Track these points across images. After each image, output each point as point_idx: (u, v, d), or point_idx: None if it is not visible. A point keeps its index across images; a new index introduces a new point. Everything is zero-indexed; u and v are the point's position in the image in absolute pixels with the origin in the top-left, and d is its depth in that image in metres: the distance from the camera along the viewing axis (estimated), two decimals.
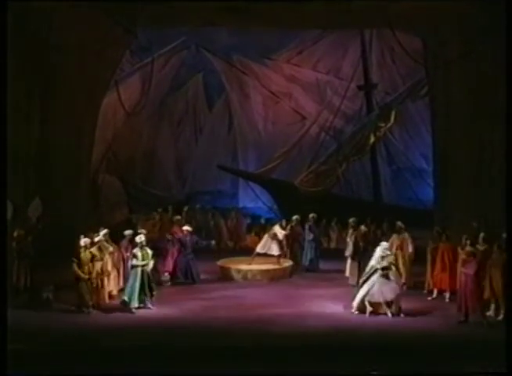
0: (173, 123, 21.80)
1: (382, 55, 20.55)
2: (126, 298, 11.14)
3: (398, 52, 18.51)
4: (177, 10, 14.29)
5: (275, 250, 14.19)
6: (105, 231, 11.85)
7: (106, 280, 11.66)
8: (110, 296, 11.83)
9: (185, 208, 17.85)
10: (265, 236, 14.40)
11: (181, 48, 20.77)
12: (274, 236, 14.27)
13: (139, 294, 11.20)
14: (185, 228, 13.62)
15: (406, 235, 12.74)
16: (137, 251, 11.33)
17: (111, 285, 11.90)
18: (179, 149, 21.79)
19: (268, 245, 14.27)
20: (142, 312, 11.17)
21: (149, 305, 11.34)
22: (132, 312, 11.05)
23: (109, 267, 11.80)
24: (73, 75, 14.56)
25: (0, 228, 9.41)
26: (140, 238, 11.48)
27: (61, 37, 13.74)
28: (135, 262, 11.26)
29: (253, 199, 20.51)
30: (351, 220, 13.91)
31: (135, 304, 11.16)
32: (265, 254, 14.36)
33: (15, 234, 12.19)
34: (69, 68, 14.40)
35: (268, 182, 19.92)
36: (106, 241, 11.77)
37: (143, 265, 11.24)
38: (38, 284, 11.71)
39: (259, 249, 14.30)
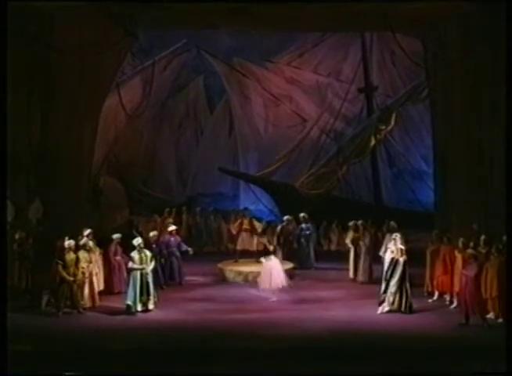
0: (174, 125, 21.81)
1: (382, 57, 20.55)
2: (130, 303, 11.12)
3: (399, 54, 18.51)
4: (178, 12, 14.29)
5: (253, 245, 14.71)
6: (88, 231, 11.77)
7: (95, 281, 11.65)
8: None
9: (183, 210, 17.85)
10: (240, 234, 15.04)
11: (182, 50, 20.78)
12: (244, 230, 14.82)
13: (141, 297, 11.18)
14: (170, 228, 13.71)
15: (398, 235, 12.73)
16: (134, 254, 11.29)
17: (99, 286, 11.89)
18: (180, 151, 21.79)
19: (245, 241, 14.59)
20: (143, 314, 11.17)
21: (151, 308, 11.32)
22: (135, 315, 11.04)
23: (97, 268, 11.76)
24: (75, 77, 14.56)
25: (0, 230, 9.39)
26: (137, 241, 11.44)
27: (62, 39, 13.72)
28: (131, 264, 11.24)
29: (254, 201, 20.48)
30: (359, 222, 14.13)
31: (138, 307, 11.15)
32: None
33: (16, 236, 12.18)
34: (70, 70, 14.40)
35: (269, 185, 19.92)
36: (91, 241, 11.72)
37: (142, 269, 11.21)
38: (39, 287, 11.68)
39: (239, 246, 14.87)
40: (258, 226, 15.21)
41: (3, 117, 10.26)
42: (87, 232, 11.78)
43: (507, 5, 11.72)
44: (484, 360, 8.61)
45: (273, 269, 12.24)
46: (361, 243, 13.77)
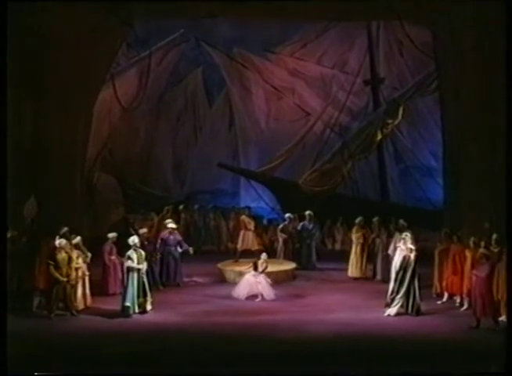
0: (171, 119, 21.80)
1: (390, 48, 20.48)
2: (129, 304, 11.12)
3: (407, 44, 18.45)
4: (175, 0, 14.27)
5: (255, 244, 14.80)
6: (65, 229, 11.73)
7: (87, 282, 11.68)
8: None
9: (181, 207, 17.85)
10: (241, 232, 15.07)
11: (180, 41, 20.77)
12: (245, 228, 14.83)
13: (138, 299, 11.21)
14: (170, 225, 13.69)
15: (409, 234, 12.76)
16: (131, 253, 11.29)
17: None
18: (178, 146, 21.79)
19: (245, 240, 14.51)
20: (139, 316, 11.18)
21: (149, 309, 11.35)
22: (130, 317, 11.05)
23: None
24: (67, 69, 14.51)
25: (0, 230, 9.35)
26: (133, 240, 11.44)
27: (53, 29, 13.72)
28: (130, 263, 11.22)
29: (255, 198, 20.48)
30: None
31: (135, 309, 11.19)
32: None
33: (8, 235, 12.16)
34: (62, 61, 14.35)
35: (271, 181, 19.90)
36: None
37: (139, 268, 11.24)
38: (30, 288, 11.66)
39: (239, 246, 14.89)
40: (249, 223, 15.13)
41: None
42: (63, 230, 11.75)
43: None
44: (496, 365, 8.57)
45: (253, 287, 12.35)
46: (377, 240, 13.88)
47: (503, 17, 12.38)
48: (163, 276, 13.35)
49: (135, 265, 11.19)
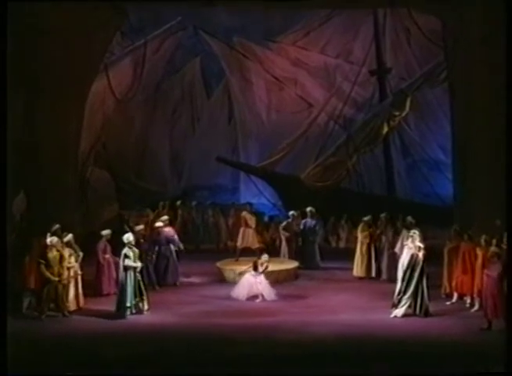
0: (168, 111, 21.79)
1: (397, 36, 20.45)
2: (129, 304, 11.11)
3: (415, 33, 18.40)
4: None
5: (255, 242, 14.72)
6: (56, 226, 11.70)
7: (80, 282, 11.64)
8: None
9: (178, 203, 17.80)
10: (241, 229, 14.97)
11: (176, 29, 20.74)
12: (246, 225, 14.74)
13: (135, 298, 11.20)
14: (157, 224, 13.66)
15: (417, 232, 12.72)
16: (128, 251, 11.26)
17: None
18: (175, 139, 21.78)
19: (246, 238, 14.55)
20: (136, 317, 11.16)
21: (146, 308, 11.33)
22: (125, 319, 11.03)
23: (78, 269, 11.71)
24: (59, 59, 14.46)
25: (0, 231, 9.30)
26: (128, 238, 11.39)
27: (44, 18, 13.63)
28: (128, 262, 11.19)
29: (255, 194, 20.47)
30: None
31: (132, 309, 11.20)
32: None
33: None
34: (54, 51, 14.30)
35: (272, 176, 19.88)
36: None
37: (136, 267, 11.21)
38: (20, 288, 11.59)
39: (239, 244, 14.82)
40: (250, 219, 15.07)
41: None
42: (55, 227, 11.69)
43: None
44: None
45: (253, 287, 12.30)
46: (383, 237, 13.83)
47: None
48: (157, 275, 13.30)
49: (132, 263, 11.17)
